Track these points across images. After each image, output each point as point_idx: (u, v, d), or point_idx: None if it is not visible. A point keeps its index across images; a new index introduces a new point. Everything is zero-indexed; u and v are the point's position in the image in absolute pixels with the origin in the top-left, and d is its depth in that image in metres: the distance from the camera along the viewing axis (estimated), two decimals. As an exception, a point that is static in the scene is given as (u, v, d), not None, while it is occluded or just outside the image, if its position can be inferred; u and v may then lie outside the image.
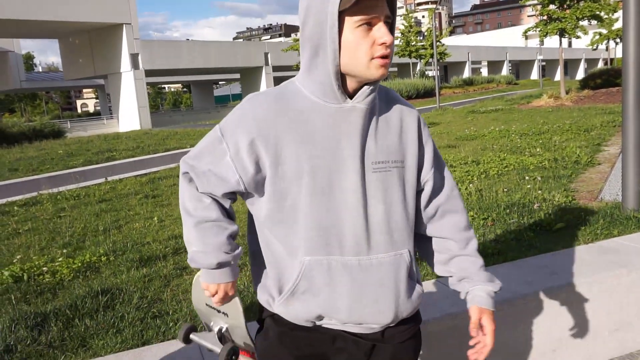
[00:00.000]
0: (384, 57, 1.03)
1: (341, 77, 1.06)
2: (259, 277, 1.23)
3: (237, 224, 1.18)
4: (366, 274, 1.11)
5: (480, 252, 3.22)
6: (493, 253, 3.17)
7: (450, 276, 1.28)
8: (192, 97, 60.90)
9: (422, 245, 1.31)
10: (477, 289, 1.23)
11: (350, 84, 1.08)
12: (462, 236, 1.25)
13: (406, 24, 38.19)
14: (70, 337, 2.49)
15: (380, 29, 1.02)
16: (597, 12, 20.54)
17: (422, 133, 1.20)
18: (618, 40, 26.62)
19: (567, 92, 19.56)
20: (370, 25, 1.02)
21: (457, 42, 67.13)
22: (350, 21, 1.01)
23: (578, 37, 20.35)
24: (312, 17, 1.02)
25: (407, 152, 1.16)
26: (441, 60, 38.98)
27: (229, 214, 1.20)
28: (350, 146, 1.08)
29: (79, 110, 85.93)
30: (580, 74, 60.95)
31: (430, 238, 1.28)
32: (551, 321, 2.48)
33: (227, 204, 1.19)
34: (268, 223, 1.14)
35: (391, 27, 1.07)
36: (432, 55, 33.91)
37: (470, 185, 5.04)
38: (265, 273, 1.20)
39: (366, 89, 1.06)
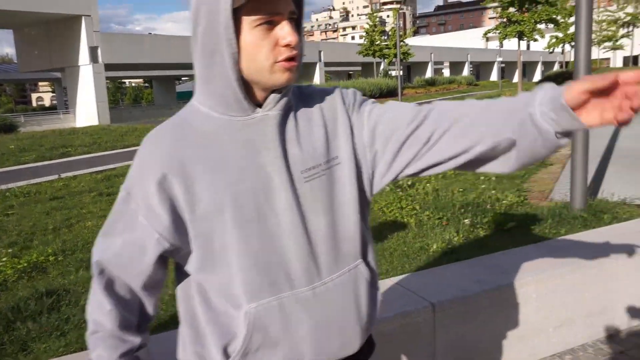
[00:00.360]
0: (289, 59, 0.89)
1: (245, 85, 0.91)
2: (188, 344, 1.01)
3: (144, 336, 1.02)
4: (325, 303, 0.95)
5: (435, 252, 3.28)
6: (446, 252, 3.23)
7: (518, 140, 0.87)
8: (154, 93, 59.68)
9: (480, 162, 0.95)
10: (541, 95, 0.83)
11: (257, 92, 0.93)
12: (476, 106, 0.94)
13: (371, 23, 38.49)
14: (10, 341, 2.39)
15: (283, 28, 0.88)
16: (554, 16, 21.23)
17: (348, 107, 1.02)
18: (573, 43, 27.57)
19: (524, 94, 20.10)
20: (271, 24, 0.88)
21: (420, 43, 68.11)
22: (247, 20, 0.87)
23: (535, 40, 20.98)
24: (203, 18, 0.87)
25: (339, 143, 0.99)
26: (404, 60, 39.46)
27: (140, 320, 1.02)
28: (271, 160, 0.93)
29: (34, 104, 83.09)
30: (537, 76, 62.82)
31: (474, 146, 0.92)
32: (500, 319, 2.54)
33: (149, 300, 1.01)
34: (201, 275, 0.95)
35: (298, 24, 0.93)
36: (395, 55, 34.31)
37: (428, 184, 5.12)
38: (197, 338, 0.99)
39: (275, 96, 0.93)
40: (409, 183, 5.21)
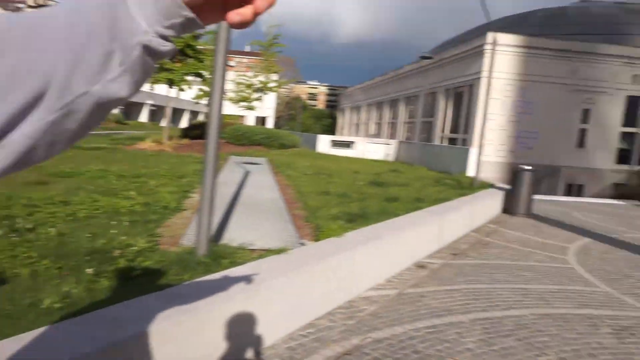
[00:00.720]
0: None
1: None
2: None
3: None
4: None
5: (49, 308, 2.90)
6: (63, 307, 2.90)
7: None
8: None
9: None
10: None
11: None
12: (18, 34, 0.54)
13: None
14: None
15: None
16: (201, 72, 22.98)
17: None
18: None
19: (170, 139, 20.87)
20: None
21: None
22: None
23: (182, 90, 22.20)
24: None
25: None
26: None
27: None
28: None
29: None
30: (184, 123, 66.52)
31: None
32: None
33: None
34: None
35: None
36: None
37: (52, 229, 4.60)
38: None
39: None
40: (29, 226, 4.58)
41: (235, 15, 0.60)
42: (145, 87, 54.85)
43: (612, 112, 29.46)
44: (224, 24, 4.35)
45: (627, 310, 4.77)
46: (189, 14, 0.57)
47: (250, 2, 0.60)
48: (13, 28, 0.54)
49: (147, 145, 17.75)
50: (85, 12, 0.54)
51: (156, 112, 63.51)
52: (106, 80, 0.55)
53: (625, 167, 27.44)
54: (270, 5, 0.60)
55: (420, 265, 5.92)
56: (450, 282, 5.31)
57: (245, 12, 0.60)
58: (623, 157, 28.95)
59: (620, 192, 20.26)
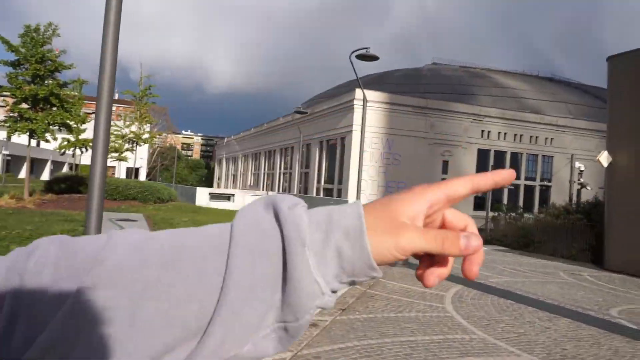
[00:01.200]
0: None
1: None
2: None
3: None
4: None
5: None
6: None
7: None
8: None
9: None
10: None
11: None
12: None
13: None
14: None
15: None
16: (68, 121, 21.53)
17: None
18: (84, 149, 28.53)
19: (31, 194, 19.06)
20: None
21: None
22: None
23: (48, 141, 20.57)
24: None
25: None
26: None
27: None
28: None
29: None
30: (46, 175, 61.20)
31: None
32: None
33: None
34: None
35: None
36: None
37: None
38: None
39: None
40: None
41: (435, 278, 0.51)
42: (3, 135, 49.90)
43: (467, 164, 32.81)
44: (106, 72, 4.19)
45: (502, 355, 5.23)
46: (378, 273, 0.45)
47: (446, 261, 0.52)
48: (161, 268, 0.41)
49: (5, 201, 16.01)
50: (250, 255, 0.42)
51: (12, 163, 57.85)
52: (258, 337, 0.42)
53: (482, 213, 30.43)
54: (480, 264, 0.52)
55: (311, 324, 5.98)
56: (342, 340, 5.42)
57: (444, 274, 0.52)
58: (479, 204, 32.17)
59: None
